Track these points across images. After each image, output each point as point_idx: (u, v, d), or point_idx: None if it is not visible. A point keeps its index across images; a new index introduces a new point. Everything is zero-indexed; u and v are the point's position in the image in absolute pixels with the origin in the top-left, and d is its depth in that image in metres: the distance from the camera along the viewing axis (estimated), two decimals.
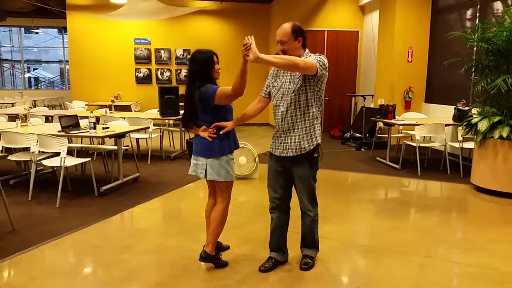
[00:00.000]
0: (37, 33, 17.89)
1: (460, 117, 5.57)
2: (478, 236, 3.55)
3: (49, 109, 9.29)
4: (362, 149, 7.62)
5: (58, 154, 4.36)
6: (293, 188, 2.83)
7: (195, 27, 10.87)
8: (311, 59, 2.56)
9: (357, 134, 8.48)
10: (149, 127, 6.02)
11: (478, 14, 6.45)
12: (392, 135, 6.43)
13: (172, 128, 7.72)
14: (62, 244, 3.34)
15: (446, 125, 5.78)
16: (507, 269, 2.91)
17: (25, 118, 5.35)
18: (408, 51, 7.66)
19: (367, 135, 8.07)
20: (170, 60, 10.98)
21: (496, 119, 4.62)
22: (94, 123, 4.78)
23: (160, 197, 4.64)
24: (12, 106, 9.69)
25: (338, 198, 4.69)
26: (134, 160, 5.68)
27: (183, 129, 6.87)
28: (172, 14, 10.26)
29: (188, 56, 10.64)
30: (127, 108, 9.46)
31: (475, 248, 3.27)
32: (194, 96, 2.72)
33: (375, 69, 8.57)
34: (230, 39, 10.85)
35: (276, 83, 2.75)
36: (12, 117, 6.44)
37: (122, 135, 4.90)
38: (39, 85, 20.69)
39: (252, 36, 2.37)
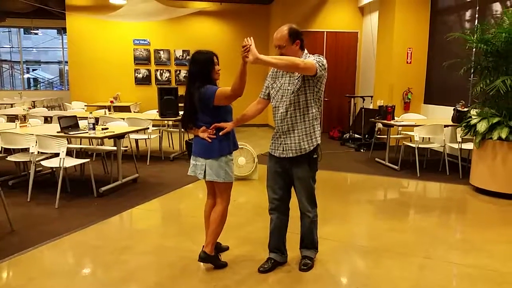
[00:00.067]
0: (36, 33, 17.88)
1: (459, 118, 5.57)
2: (477, 237, 3.55)
3: (48, 110, 9.30)
4: (361, 150, 7.62)
5: (57, 155, 4.35)
6: (293, 189, 2.84)
7: (195, 28, 10.88)
8: (310, 59, 2.57)
9: (356, 135, 8.49)
10: (148, 128, 6.03)
11: (477, 16, 6.46)
12: (391, 136, 6.44)
13: (171, 129, 7.73)
14: (61, 244, 3.34)
15: (445, 126, 5.79)
16: (506, 270, 2.91)
17: (24, 118, 5.35)
18: (407, 52, 7.67)
19: (366, 136, 8.08)
20: (170, 61, 10.98)
21: (495, 120, 4.63)
22: (93, 124, 4.77)
23: (159, 198, 4.64)
24: (11, 106, 9.69)
25: (337, 199, 4.69)
26: (133, 161, 5.68)
27: (182, 130, 6.86)
28: (172, 15, 10.26)
29: (188, 57, 10.72)
30: (126, 109, 9.45)
31: (474, 249, 3.28)
32: (194, 97, 2.72)
33: (374, 70, 8.58)
34: (230, 40, 10.85)
35: (275, 85, 2.75)
36: (11, 118, 6.43)
37: (121, 136, 4.90)
38: (38, 86, 20.66)
39: (252, 38, 2.37)
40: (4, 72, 17.26)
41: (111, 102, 9.47)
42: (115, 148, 4.99)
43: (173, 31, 10.85)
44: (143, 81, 11.00)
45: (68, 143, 4.61)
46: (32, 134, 4.42)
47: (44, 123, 6.05)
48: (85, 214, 4.05)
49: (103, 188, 4.63)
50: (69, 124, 4.80)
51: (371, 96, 8.62)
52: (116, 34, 10.72)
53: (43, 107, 10.56)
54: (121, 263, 2.98)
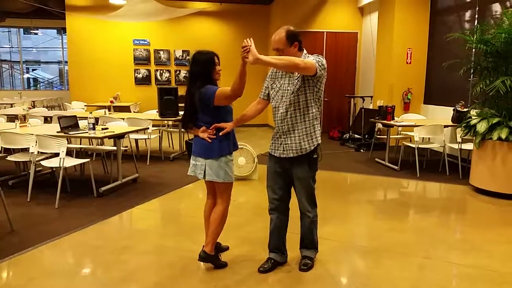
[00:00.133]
0: (36, 33, 17.87)
1: (459, 119, 5.58)
2: (477, 237, 3.55)
3: (48, 110, 9.29)
4: (361, 150, 7.63)
5: (57, 154, 4.35)
6: (293, 189, 2.84)
7: (195, 28, 10.88)
8: (310, 59, 2.57)
9: (356, 135, 8.50)
10: (148, 128, 6.03)
11: (476, 16, 6.47)
12: (391, 136, 6.44)
13: (171, 129, 7.73)
14: (61, 244, 3.34)
15: (445, 126, 5.80)
16: (506, 270, 2.91)
17: (24, 118, 5.35)
18: (407, 53, 7.67)
19: (366, 136, 8.08)
20: (169, 61, 10.98)
21: (495, 120, 4.63)
22: (93, 124, 4.77)
23: (159, 197, 4.64)
24: (11, 106, 9.68)
25: (337, 199, 4.69)
26: (133, 161, 5.68)
27: (182, 130, 6.87)
28: (171, 15, 10.26)
29: (187, 57, 10.73)
30: (126, 109, 9.45)
31: (474, 249, 3.28)
32: (194, 97, 2.72)
33: (374, 70, 8.58)
34: (230, 40, 10.85)
35: (275, 85, 2.75)
36: (11, 118, 6.43)
37: (121, 136, 4.90)
38: (38, 85, 20.66)
39: (251, 39, 2.37)
40: (4, 72, 17.26)
41: (111, 102, 9.47)
42: (115, 148, 4.99)
43: (173, 31, 10.85)
44: (143, 81, 10.99)
45: (68, 143, 4.61)
46: (32, 134, 4.42)
47: (44, 123, 6.05)
48: (85, 214, 4.05)
49: (103, 188, 4.63)
50: (69, 124, 4.80)
51: (371, 96, 8.63)
52: (116, 34, 10.72)
53: (43, 107, 10.56)
54: (121, 263, 2.98)
